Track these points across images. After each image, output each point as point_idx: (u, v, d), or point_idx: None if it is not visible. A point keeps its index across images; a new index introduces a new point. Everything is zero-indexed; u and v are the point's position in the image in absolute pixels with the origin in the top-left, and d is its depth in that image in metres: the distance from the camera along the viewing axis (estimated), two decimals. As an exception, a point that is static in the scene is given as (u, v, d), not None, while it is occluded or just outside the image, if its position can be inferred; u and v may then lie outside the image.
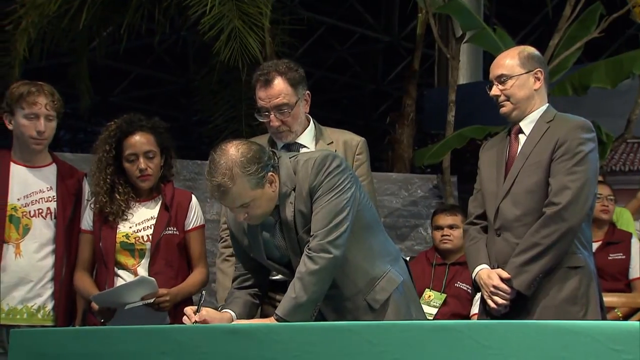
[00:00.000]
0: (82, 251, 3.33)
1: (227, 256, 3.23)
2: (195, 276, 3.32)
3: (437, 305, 4.12)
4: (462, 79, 8.10)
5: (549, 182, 2.98)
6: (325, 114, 14.56)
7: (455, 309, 4.13)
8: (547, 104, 3.14)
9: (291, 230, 2.70)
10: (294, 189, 2.69)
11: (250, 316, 2.85)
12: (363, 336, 2.20)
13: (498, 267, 3.02)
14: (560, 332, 1.95)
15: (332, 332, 2.28)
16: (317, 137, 3.15)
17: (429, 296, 4.19)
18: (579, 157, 2.96)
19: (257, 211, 2.67)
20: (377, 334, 2.18)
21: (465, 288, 4.19)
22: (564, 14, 6.51)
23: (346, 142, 3.16)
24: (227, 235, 3.25)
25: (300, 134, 3.11)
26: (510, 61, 3.10)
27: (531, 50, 3.16)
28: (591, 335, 1.91)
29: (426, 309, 4.08)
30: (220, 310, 2.81)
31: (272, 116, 3.04)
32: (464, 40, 6.73)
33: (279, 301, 2.77)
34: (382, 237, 2.82)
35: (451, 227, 4.33)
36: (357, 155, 3.16)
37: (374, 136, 14.39)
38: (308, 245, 2.64)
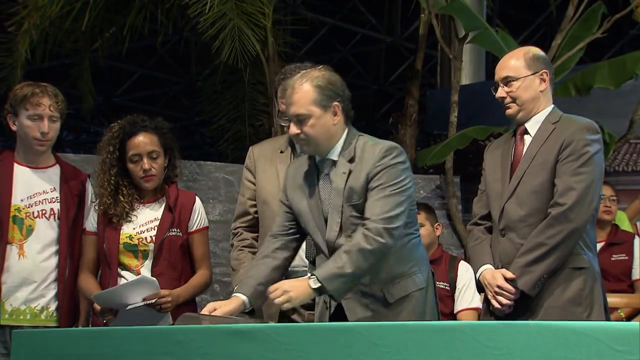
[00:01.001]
0: (86, 253, 3.33)
1: (243, 246, 3.24)
2: (199, 278, 3.32)
3: None
4: (465, 80, 8.10)
5: (554, 182, 2.98)
6: (328, 115, 14.56)
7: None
8: (553, 105, 3.14)
9: (339, 197, 2.78)
10: (351, 162, 2.77)
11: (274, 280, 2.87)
12: (367, 337, 2.19)
13: (502, 267, 3.02)
14: (563, 333, 1.95)
15: (335, 333, 2.28)
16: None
17: None
18: (584, 158, 2.96)
19: (311, 131, 2.76)
20: (381, 334, 2.18)
21: (442, 286, 4.17)
22: (566, 14, 6.50)
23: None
24: (244, 228, 3.26)
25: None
26: (515, 62, 3.09)
27: (536, 51, 3.15)
28: (594, 335, 1.91)
29: None
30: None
31: (290, 124, 2.95)
32: (467, 41, 6.72)
33: None
34: (417, 241, 2.89)
35: None
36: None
37: (376, 136, 14.37)
38: (366, 225, 2.70)
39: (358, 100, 14.64)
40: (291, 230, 2.93)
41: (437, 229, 4.34)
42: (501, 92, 3.09)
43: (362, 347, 2.19)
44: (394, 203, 2.72)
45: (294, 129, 2.78)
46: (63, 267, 3.32)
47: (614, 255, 4.69)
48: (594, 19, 6.23)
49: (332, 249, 2.79)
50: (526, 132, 3.11)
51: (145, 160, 3.24)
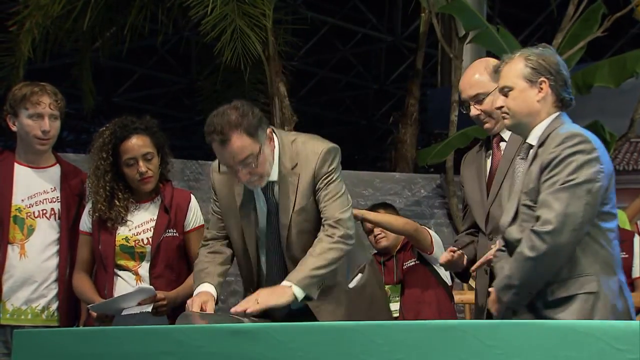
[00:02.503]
0: (80, 253, 3.31)
1: (209, 253, 3.07)
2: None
3: (397, 298, 4.08)
4: (465, 79, 8.11)
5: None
6: (328, 114, 14.55)
7: (414, 284, 4.05)
8: None
9: (520, 182, 2.67)
10: (540, 147, 2.61)
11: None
12: (367, 336, 2.19)
13: (489, 271, 2.99)
14: (564, 332, 1.95)
15: (336, 332, 2.28)
16: (280, 167, 2.93)
17: (387, 292, 4.15)
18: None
19: (511, 104, 2.70)
20: (382, 333, 2.18)
21: (412, 263, 4.14)
22: (567, 13, 6.51)
23: (307, 157, 2.92)
24: (217, 240, 3.11)
25: (272, 167, 2.91)
26: (481, 77, 3.03)
27: (493, 61, 3.08)
28: (595, 334, 1.91)
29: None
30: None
31: (239, 173, 2.85)
32: (467, 40, 6.73)
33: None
34: (602, 241, 2.61)
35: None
36: (318, 170, 2.92)
37: (376, 136, 14.37)
38: (533, 227, 2.54)
39: (358, 99, 14.65)
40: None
41: None
42: (474, 110, 3.04)
43: (363, 346, 2.19)
44: (564, 202, 2.50)
45: (498, 102, 2.73)
46: (64, 267, 3.31)
47: (614, 254, 4.69)
48: (595, 18, 6.24)
49: (505, 238, 2.70)
50: (502, 139, 3.09)
51: (141, 163, 3.21)
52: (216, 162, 3.05)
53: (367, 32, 12.69)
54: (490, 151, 3.11)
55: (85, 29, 6.51)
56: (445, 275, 4.10)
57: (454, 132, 6.66)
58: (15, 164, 3.35)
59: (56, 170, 3.41)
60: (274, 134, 2.91)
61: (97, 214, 3.24)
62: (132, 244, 3.23)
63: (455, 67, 6.86)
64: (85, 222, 3.31)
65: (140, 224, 3.26)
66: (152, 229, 3.24)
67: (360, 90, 14.29)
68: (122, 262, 3.24)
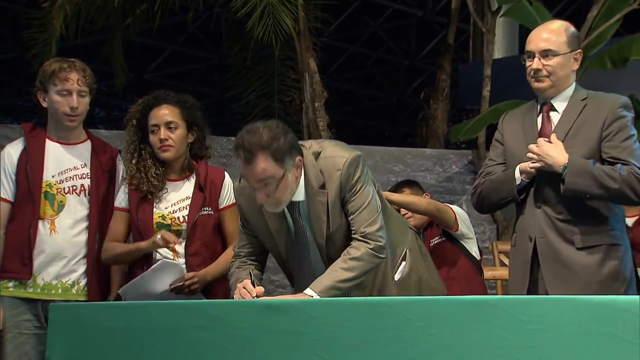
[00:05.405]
0: (114, 226, 3.31)
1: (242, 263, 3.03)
2: (227, 254, 3.29)
3: None
4: (498, 54, 7.98)
5: (601, 157, 2.94)
6: (359, 90, 14.48)
7: (441, 260, 4.01)
8: (575, 82, 3.09)
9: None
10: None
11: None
12: (399, 311, 2.19)
13: (533, 241, 2.98)
14: (599, 307, 1.93)
15: (368, 308, 2.28)
16: (306, 187, 2.85)
17: (431, 261, 4.09)
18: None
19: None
20: (414, 309, 2.17)
21: (438, 240, 4.11)
22: (602, -15, 6.37)
23: (331, 176, 2.84)
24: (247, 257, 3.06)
25: (294, 193, 2.84)
26: (558, 38, 3.00)
27: (573, 28, 3.08)
28: (630, 310, 1.89)
29: None
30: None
31: (256, 192, 2.78)
32: (500, 14, 6.64)
33: None
34: None
35: None
36: (344, 185, 2.84)
37: (407, 112, 14.28)
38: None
39: (389, 75, 14.56)
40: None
41: (426, 197, 4.27)
42: (538, 63, 3.01)
43: (395, 321, 2.19)
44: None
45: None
46: (92, 242, 3.34)
47: (648, 228, 4.66)
48: (632, -11, 6.11)
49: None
50: (552, 109, 3.05)
51: (162, 129, 3.23)
52: (237, 183, 2.96)
53: (397, 7, 12.56)
54: (540, 117, 3.07)
55: (117, 5, 6.52)
56: (474, 249, 4.08)
57: (485, 108, 6.59)
58: (47, 140, 3.37)
59: (87, 146, 3.43)
60: (302, 161, 2.81)
61: (134, 182, 3.26)
62: (169, 221, 3.25)
63: (488, 41, 6.78)
64: (122, 198, 3.33)
65: (176, 201, 3.28)
66: (187, 207, 3.26)
67: (391, 66, 14.18)
68: None
